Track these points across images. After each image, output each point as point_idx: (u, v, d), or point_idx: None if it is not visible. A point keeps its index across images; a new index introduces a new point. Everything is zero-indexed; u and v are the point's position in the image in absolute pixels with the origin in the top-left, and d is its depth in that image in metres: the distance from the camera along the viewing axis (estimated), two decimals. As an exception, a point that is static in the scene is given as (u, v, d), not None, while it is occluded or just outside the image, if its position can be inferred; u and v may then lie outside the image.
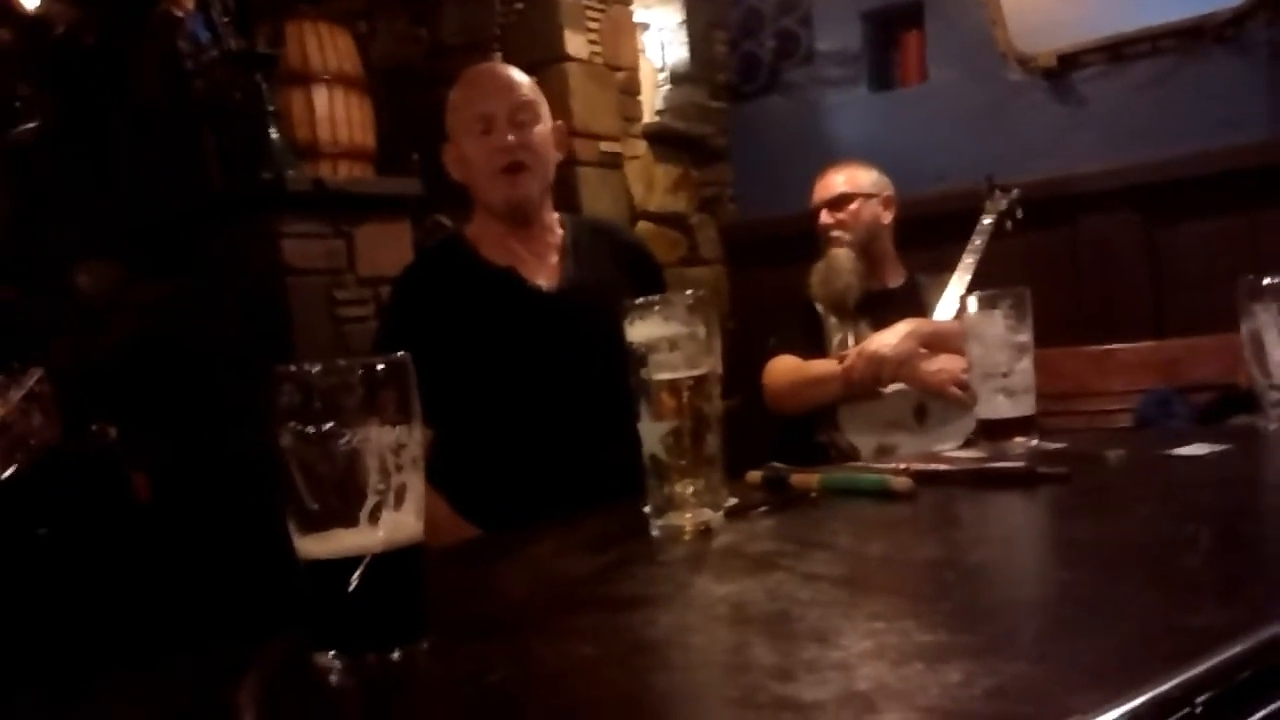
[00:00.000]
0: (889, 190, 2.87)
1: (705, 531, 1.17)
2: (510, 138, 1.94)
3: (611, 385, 1.83)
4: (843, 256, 2.77)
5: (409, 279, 2.08)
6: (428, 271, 2.07)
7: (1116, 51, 3.55)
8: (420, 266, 2.11)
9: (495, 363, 1.92)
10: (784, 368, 2.71)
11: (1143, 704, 0.58)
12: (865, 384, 2.57)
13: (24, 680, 1.92)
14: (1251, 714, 0.61)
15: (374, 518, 0.82)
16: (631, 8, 3.97)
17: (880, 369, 2.55)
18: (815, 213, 2.89)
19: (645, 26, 4.13)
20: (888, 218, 2.85)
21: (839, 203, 2.84)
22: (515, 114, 1.96)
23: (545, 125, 2.01)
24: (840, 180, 2.87)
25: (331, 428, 0.82)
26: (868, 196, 2.84)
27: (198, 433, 2.75)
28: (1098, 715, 0.57)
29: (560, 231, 2.07)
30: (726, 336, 3.55)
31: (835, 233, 2.81)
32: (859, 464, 2.09)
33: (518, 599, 1.09)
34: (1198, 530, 1.00)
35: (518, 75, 2.04)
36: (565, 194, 3.52)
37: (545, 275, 2.01)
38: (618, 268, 2.07)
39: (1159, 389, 2.82)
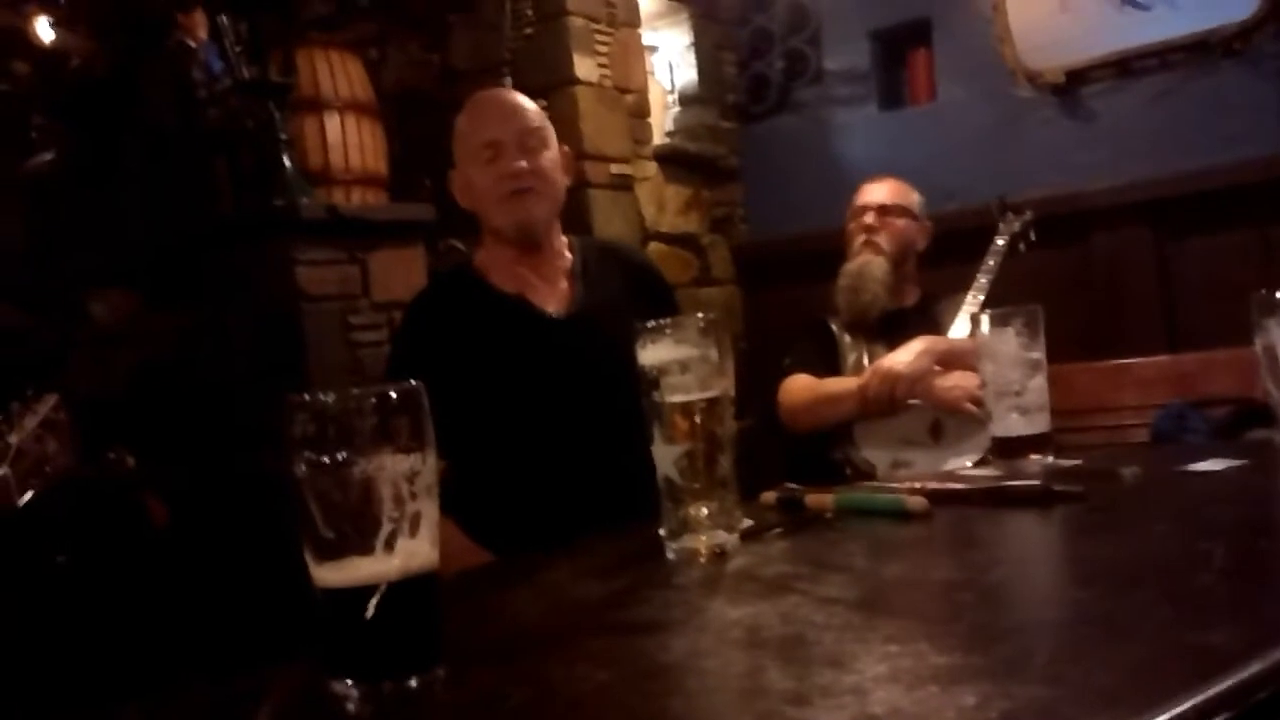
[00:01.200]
0: (927, 220, 2.87)
1: (720, 554, 1.17)
2: (519, 163, 1.94)
3: (622, 409, 1.84)
4: (877, 265, 2.76)
5: (419, 308, 2.08)
6: (438, 300, 2.06)
7: (1125, 67, 3.55)
8: (430, 295, 2.11)
9: (506, 390, 1.92)
10: (799, 386, 2.71)
11: (1160, 724, 0.58)
12: (880, 402, 2.56)
13: (41, 707, 1.93)
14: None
15: (389, 545, 0.82)
16: (640, 30, 3.99)
17: (895, 386, 2.54)
18: (857, 213, 2.86)
19: (654, 49, 4.15)
20: (922, 244, 2.85)
21: (885, 211, 2.82)
22: (523, 140, 1.96)
23: (553, 151, 2.01)
24: (892, 190, 2.86)
25: (346, 456, 0.82)
26: (913, 217, 2.84)
27: (214, 459, 2.76)
28: (1113, 738, 0.57)
29: (569, 256, 2.07)
30: (739, 356, 3.55)
31: (877, 238, 2.79)
32: (874, 483, 2.09)
33: (533, 624, 1.09)
34: (1213, 548, 1.00)
35: (525, 101, 2.04)
36: (577, 216, 3.53)
37: (555, 301, 2.01)
38: (628, 290, 2.06)
39: (1175, 404, 2.81)
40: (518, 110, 2.00)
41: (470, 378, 1.88)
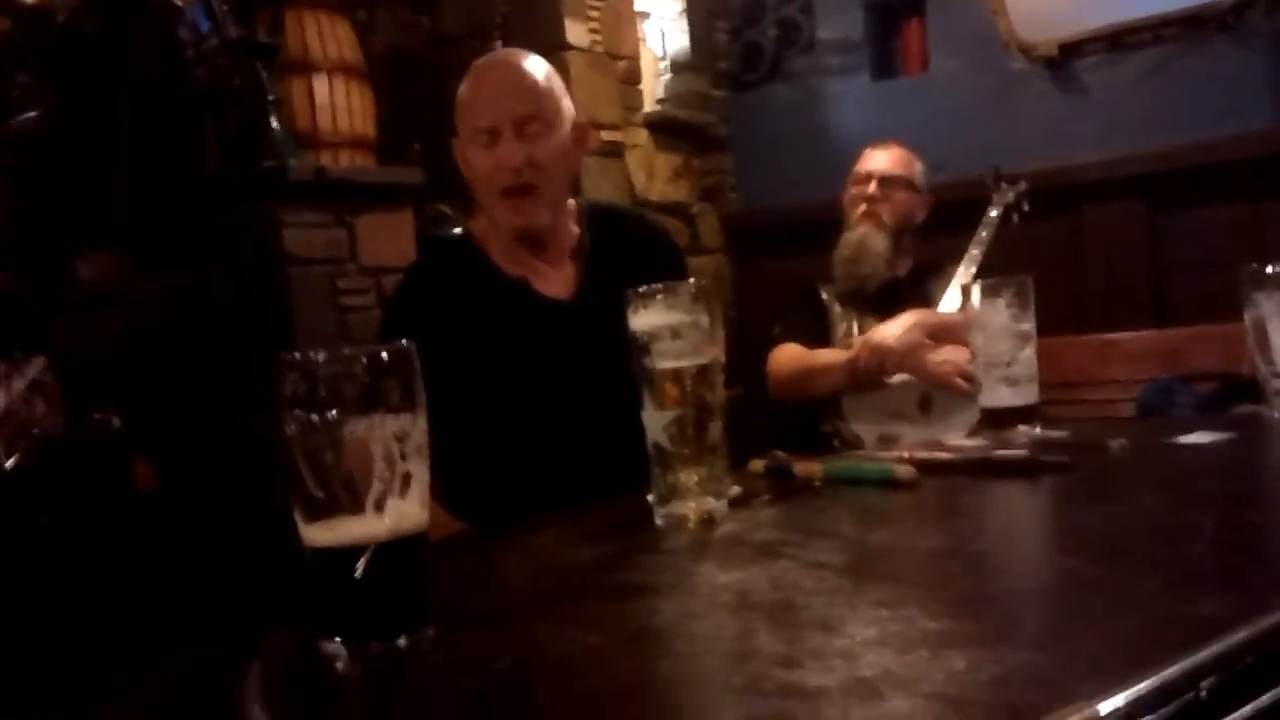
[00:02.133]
0: (928, 192, 2.85)
1: (709, 520, 1.17)
2: (517, 155, 1.76)
3: (624, 393, 1.82)
4: (879, 240, 2.74)
5: (415, 277, 1.96)
6: (435, 272, 1.94)
7: (1118, 40, 3.54)
8: (427, 265, 1.99)
9: (504, 373, 1.82)
10: (788, 356, 2.71)
11: (1147, 689, 0.58)
12: (870, 374, 2.56)
13: (30, 670, 1.93)
14: (1256, 699, 0.61)
15: (379, 506, 0.82)
16: (632, -4, 3.97)
17: (885, 359, 2.55)
18: (859, 179, 2.82)
19: (646, 15, 4.12)
20: (921, 216, 2.83)
21: (888, 183, 2.79)
22: (524, 125, 1.77)
23: (561, 131, 1.81)
24: (896, 159, 2.83)
25: (336, 416, 0.82)
26: (915, 189, 2.82)
27: (201, 421, 2.76)
28: (1102, 701, 0.57)
29: (575, 231, 1.92)
30: (728, 326, 3.55)
31: (879, 209, 2.76)
32: (862, 453, 2.09)
33: (522, 588, 1.09)
34: (1201, 518, 1.00)
35: (531, 73, 1.81)
36: (567, 183, 3.52)
37: (558, 284, 1.88)
38: (638, 265, 1.85)
39: (1162, 378, 2.82)
40: (520, 88, 1.79)
41: (466, 356, 1.77)
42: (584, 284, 1.89)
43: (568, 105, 1.84)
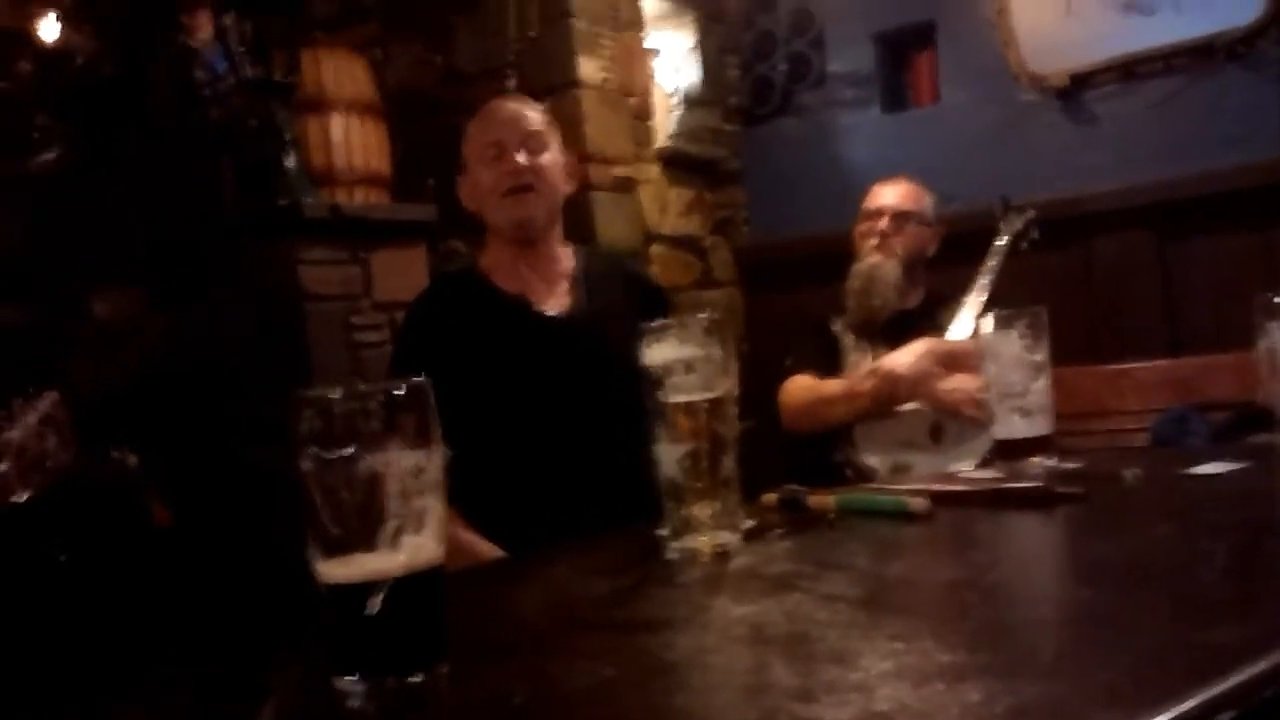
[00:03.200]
0: (939, 224, 2.86)
1: (722, 554, 1.17)
2: (520, 162, 2.00)
3: (620, 411, 1.84)
4: (890, 269, 2.75)
5: (422, 305, 2.11)
6: (441, 298, 2.10)
7: (1128, 71, 3.55)
8: (433, 293, 2.15)
9: (506, 389, 1.95)
10: (800, 387, 2.71)
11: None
12: (881, 403, 2.56)
13: (44, 704, 1.93)
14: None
15: (394, 541, 0.83)
16: (644, 33, 3.99)
17: (896, 388, 2.55)
18: (870, 215, 2.84)
19: (657, 51, 4.15)
20: (933, 249, 2.84)
21: (900, 218, 2.81)
22: (526, 141, 2.02)
23: (555, 154, 2.07)
24: (906, 195, 2.85)
25: (352, 452, 0.82)
26: (926, 223, 2.83)
27: (217, 459, 2.76)
28: (1119, 734, 0.57)
29: (571, 261, 2.11)
30: (740, 359, 3.55)
31: (890, 243, 2.78)
32: (875, 485, 2.09)
33: (536, 622, 1.09)
34: (1216, 548, 1.00)
35: (532, 107, 2.11)
36: (580, 218, 3.53)
37: (555, 303, 2.05)
38: (628, 299, 2.09)
39: (1175, 407, 2.81)
40: (521, 115, 2.06)
41: (471, 376, 1.90)
42: (580, 305, 2.06)
43: (560, 141, 2.12)
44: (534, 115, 2.08)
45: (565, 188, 2.11)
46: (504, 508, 1.89)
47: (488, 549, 1.82)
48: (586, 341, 1.99)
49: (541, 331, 2.01)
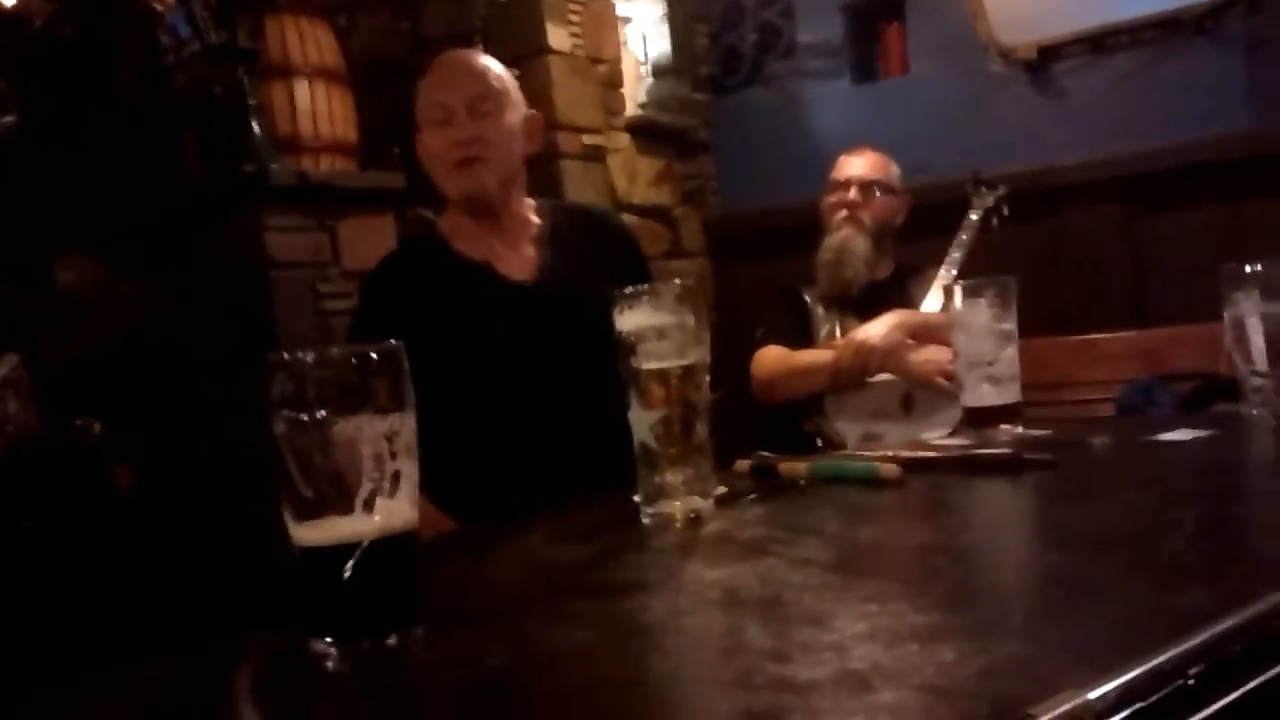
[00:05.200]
0: (905, 193, 2.87)
1: (695, 519, 1.17)
2: (467, 130, 1.91)
3: (590, 375, 1.84)
4: (860, 242, 2.76)
5: (380, 275, 2.05)
6: (400, 266, 2.04)
7: (1097, 43, 3.56)
8: (392, 261, 2.07)
9: (471, 358, 1.90)
10: (772, 357, 2.72)
11: (1137, 677, 0.59)
12: (853, 374, 2.58)
13: (8, 675, 1.91)
14: (1245, 684, 0.62)
15: (369, 505, 0.83)
16: (613, 1, 3.97)
17: (868, 359, 2.56)
18: (837, 186, 2.85)
19: (627, 20, 4.13)
20: (900, 218, 2.85)
21: (867, 187, 2.81)
22: (476, 104, 1.92)
23: (512, 115, 1.96)
24: (873, 164, 2.85)
25: (325, 416, 0.82)
26: (893, 192, 2.83)
27: (182, 428, 2.74)
28: (1093, 690, 0.58)
29: (537, 221, 2.04)
30: (710, 329, 3.56)
31: (859, 213, 2.78)
32: (846, 452, 2.10)
33: (511, 586, 1.09)
34: (1184, 514, 1.01)
35: (485, 64, 1.99)
36: (548, 187, 3.52)
37: (520, 268, 1.98)
38: (600, 256, 2.04)
39: (1141, 378, 2.84)
40: (473, 73, 1.96)
41: (433, 345, 1.83)
42: (544, 268, 1.99)
43: (518, 97, 2.01)
44: (485, 71, 1.97)
45: (525, 148, 2.01)
46: (471, 476, 1.87)
47: (437, 517, 1.77)
48: (552, 305, 1.94)
49: (505, 297, 1.95)
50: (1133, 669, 0.60)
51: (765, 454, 1.44)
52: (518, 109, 1.99)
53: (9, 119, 3.27)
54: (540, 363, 1.92)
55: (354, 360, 0.84)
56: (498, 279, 1.96)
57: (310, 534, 0.83)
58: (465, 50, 2.12)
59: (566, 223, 2.08)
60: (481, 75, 1.96)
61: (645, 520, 1.19)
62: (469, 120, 1.92)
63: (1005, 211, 2.97)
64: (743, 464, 1.44)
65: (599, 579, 1.02)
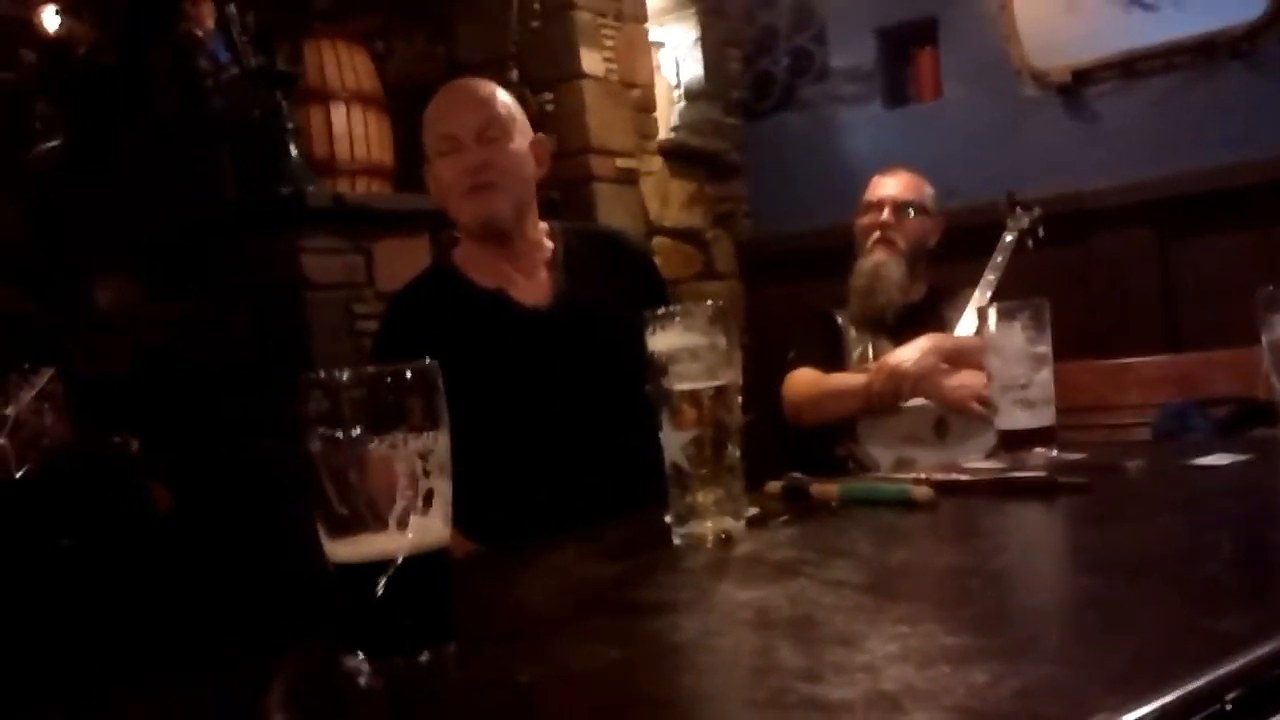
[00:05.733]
0: (939, 214, 2.85)
1: (726, 540, 1.17)
2: (476, 157, 1.90)
3: (608, 398, 1.83)
4: (893, 266, 2.73)
5: (398, 308, 2.04)
6: (417, 299, 2.02)
7: (1131, 67, 3.55)
8: (409, 294, 2.06)
9: (489, 386, 1.86)
10: (804, 380, 2.71)
11: (1173, 701, 0.58)
12: (885, 398, 2.56)
13: (46, 691, 1.93)
14: (1281, 711, 0.61)
15: (402, 522, 0.83)
16: (647, 25, 4.00)
17: (901, 383, 2.54)
18: (870, 208, 2.83)
19: (660, 44, 4.15)
20: (934, 240, 2.83)
21: (900, 209, 2.79)
22: (483, 131, 1.91)
23: (519, 140, 1.95)
24: (906, 185, 2.83)
25: (360, 434, 0.83)
26: (927, 213, 2.82)
27: (218, 446, 2.77)
28: (1128, 713, 0.57)
29: (550, 245, 2.03)
30: (742, 351, 3.56)
31: (893, 235, 2.77)
32: (879, 475, 2.09)
33: (542, 605, 1.09)
34: (1220, 538, 1.01)
35: (488, 91, 1.97)
36: (581, 210, 3.54)
37: (535, 293, 1.97)
38: (615, 278, 2.03)
39: (1176, 402, 2.81)
40: (477, 100, 1.95)
41: (453, 375, 1.84)
42: (560, 293, 1.97)
43: (524, 122, 1.99)
44: (490, 98, 1.95)
45: (535, 172, 1.98)
46: (493, 502, 1.85)
47: (462, 542, 1.76)
48: (568, 330, 1.92)
49: (520, 324, 1.93)
50: (1168, 693, 0.59)
51: (797, 475, 1.43)
52: (524, 134, 1.98)
53: (53, 142, 3.33)
54: (558, 387, 1.90)
55: (388, 379, 0.85)
56: (513, 305, 1.95)
57: (344, 551, 0.83)
58: (469, 79, 2.08)
59: (580, 245, 2.06)
60: (487, 102, 1.94)
61: (676, 540, 1.19)
62: (477, 147, 1.90)
63: (1041, 233, 2.95)
64: (774, 485, 1.44)
65: (630, 598, 1.02)
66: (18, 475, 1.81)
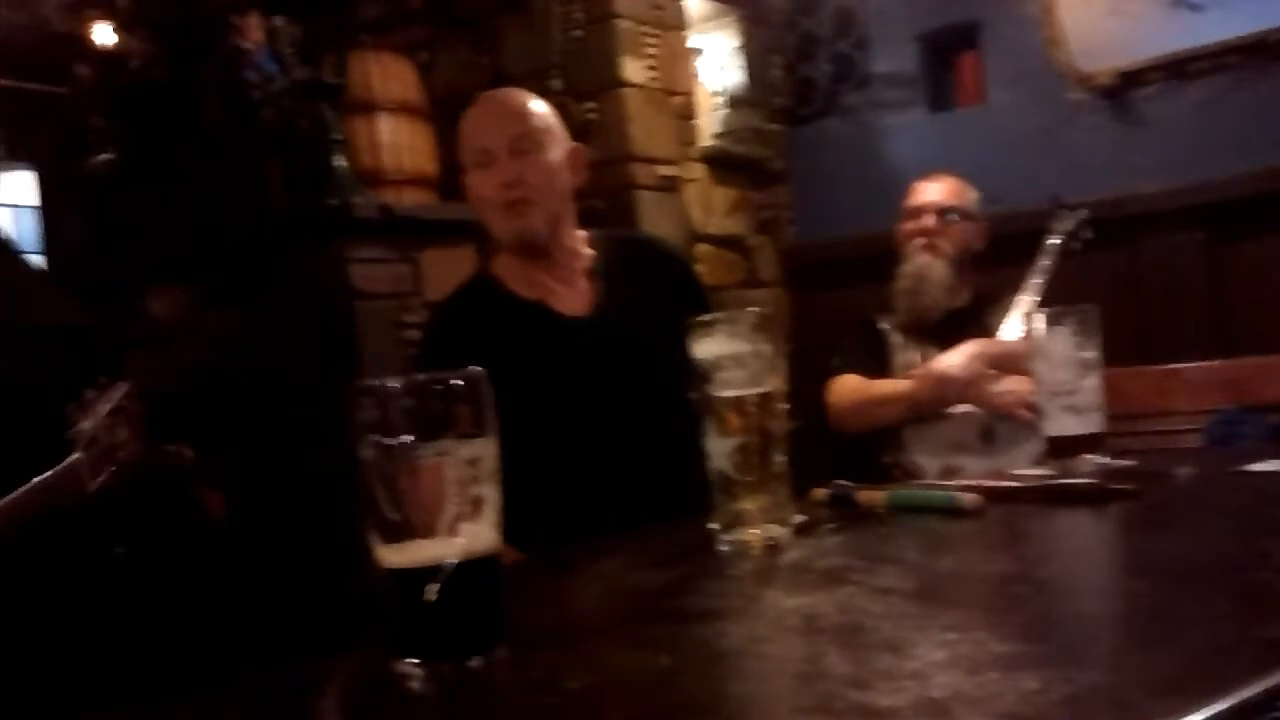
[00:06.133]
0: (983, 218, 2.84)
1: (773, 547, 1.17)
2: (511, 172, 1.89)
3: (650, 407, 1.84)
4: (938, 269, 2.72)
5: (439, 320, 2.05)
6: (457, 312, 2.03)
7: (1178, 69, 3.51)
8: (450, 307, 2.07)
9: (531, 397, 1.83)
10: (848, 387, 2.69)
11: (1225, 709, 0.58)
12: (932, 405, 2.55)
13: (102, 699, 1.96)
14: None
15: (453, 528, 0.84)
16: (688, 33, 4.00)
17: (947, 390, 2.53)
18: (914, 214, 2.82)
19: (701, 52, 4.16)
20: (979, 244, 2.81)
21: (945, 214, 2.78)
22: (516, 144, 1.90)
23: (554, 151, 1.94)
24: (950, 190, 2.82)
25: (410, 441, 0.84)
26: (971, 218, 2.80)
27: (268, 455, 2.80)
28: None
29: (589, 253, 2.03)
30: (785, 358, 3.54)
31: (937, 241, 2.76)
32: (925, 482, 2.08)
33: (591, 611, 1.10)
34: (1272, 544, 0.99)
35: (522, 102, 1.97)
36: (623, 218, 3.55)
37: (575, 303, 1.97)
38: (655, 285, 2.03)
39: (1227, 409, 2.78)
40: (511, 113, 1.94)
41: (495, 386, 1.83)
42: (600, 301, 1.98)
43: (560, 131, 1.98)
44: (524, 110, 1.94)
45: (570, 182, 1.98)
46: (536, 512, 1.85)
47: (506, 551, 1.77)
48: (609, 340, 1.93)
49: (561, 335, 1.94)
50: (1220, 701, 0.59)
51: (843, 483, 1.43)
52: (559, 144, 1.96)
53: (107, 155, 3.39)
54: (599, 396, 1.90)
55: (437, 387, 0.86)
56: (553, 316, 1.95)
57: (395, 556, 0.85)
58: (503, 90, 2.07)
59: (619, 254, 2.06)
60: (519, 115, 1.94)
61: (722, 547, 1.19)
62: (510, 161, 1.90)
63: (1088, 235, 2.92)
64: (820, 492, 1.44)
65: (677, 605, 1.03)
66: (92, 488, 1.85)
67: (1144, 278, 3.52)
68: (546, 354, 1.92)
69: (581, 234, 2.05)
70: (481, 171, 1.93)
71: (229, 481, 2.60)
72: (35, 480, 1.81)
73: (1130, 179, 3.51)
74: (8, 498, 1.77)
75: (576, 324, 1.95)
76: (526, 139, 1.91)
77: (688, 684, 0.79)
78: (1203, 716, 0.58)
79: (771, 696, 0.76)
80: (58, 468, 1.81)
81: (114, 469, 1.85)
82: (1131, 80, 3.59)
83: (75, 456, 1.82)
